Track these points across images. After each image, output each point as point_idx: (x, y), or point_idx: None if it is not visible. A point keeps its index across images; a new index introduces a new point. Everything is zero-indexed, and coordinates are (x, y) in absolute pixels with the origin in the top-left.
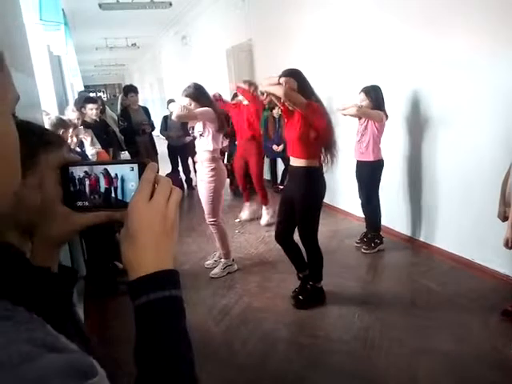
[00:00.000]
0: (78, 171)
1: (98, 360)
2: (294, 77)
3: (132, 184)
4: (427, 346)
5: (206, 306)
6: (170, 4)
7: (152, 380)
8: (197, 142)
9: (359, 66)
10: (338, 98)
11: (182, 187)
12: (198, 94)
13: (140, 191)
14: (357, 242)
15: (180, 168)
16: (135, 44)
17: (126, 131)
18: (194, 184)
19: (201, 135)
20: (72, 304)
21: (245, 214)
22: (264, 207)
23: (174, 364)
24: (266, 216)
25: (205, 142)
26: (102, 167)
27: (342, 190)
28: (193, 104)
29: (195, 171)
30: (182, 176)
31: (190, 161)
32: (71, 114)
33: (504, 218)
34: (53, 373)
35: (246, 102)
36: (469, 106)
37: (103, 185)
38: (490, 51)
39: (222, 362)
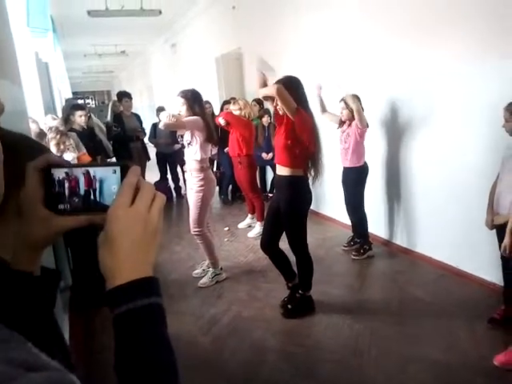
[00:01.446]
0: (61, 174)
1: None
2: (287, 83)
3: (114, 187)
4: (416, 355)
5: (194, 316)
6: (160, 12)
7: None
8: (185, 151)
9: (347, 74)
10: (328, 105)
11: (170, 195)
12: (193, 99)
13: (121, 196)
14: (344, 246)
15: (169, 176)
16: (124, 51)
17: (118, 137)
18: (183, 192)
19: (189, 144)
20: (54, 312)
21: (243, 223)
22: (258, 223)
23: (157, 373)
24: (257, 228)
25: (193, 152)
26: (83, 170)
27: (328, 197)
28: (185, 107)
29: (184, 179)
30: (171, 184)
31: (178, 168)
32: (52, 122)
33: (492, 227)
34: None
35: (237, 112)
36: (456, 114)
37: (84, 187)
38: (477, 59)
39: (211, 372)
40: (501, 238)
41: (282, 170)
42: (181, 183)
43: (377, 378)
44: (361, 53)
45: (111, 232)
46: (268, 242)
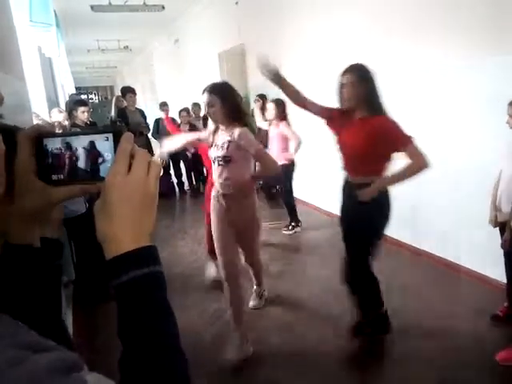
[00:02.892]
0: (53, 143)
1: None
2: (362, 80)
3: (107, 154)
4: (416, 352)
5: (197, 310)
6: (163, 7)
7: (139, 355)
8: (218, 169)
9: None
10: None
11: (173, 190)
12: (228, 93)
13: (117, 163)
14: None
15: (172, 171)
16: (127, 46)
17: None
18: (185, 188)
19: (228, 161)
20: (62, 278)
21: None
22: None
23: (159, 338)
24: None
25: (238, 170)
26: (76, 138)
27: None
28: (215, 108)
29: (187, 174)
30: (174, 179)
31: (181, 164)
32: (58, 116)
33: (495, 224)
34: (42, 371)
35: None
36: (458, 110)
37: (78, 156)
38: (473, 57)
39: (212, 367)
40: (504, 235)
41: (364, 179)
42: (184, 178)
43: (378, 375)
44: (363, 50)
45: (110, 200)
46: (354, 267)
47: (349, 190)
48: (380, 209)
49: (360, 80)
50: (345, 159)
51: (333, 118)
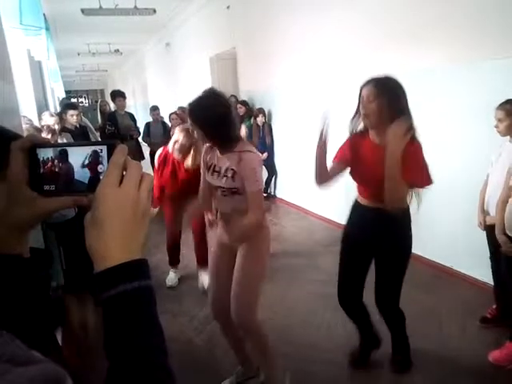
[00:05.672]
0: (46, 153)
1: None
2: (385, 93)
3: (100, 167)
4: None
5: (187, 316)
6: (154, 11)
7: (125, 372)
8: (223, 199)
9: (342, 74)
10: (323, 107)
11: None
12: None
13: (108, 175)
14: None
15: None
16: (118, 50)
17: (113, 136)
18: None
19: (235, 192)
20: (49, 291)
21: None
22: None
23: (146, 354)
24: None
25: (241, 200)
26: (70, 149)
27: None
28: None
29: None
30: None
31: None
32: (49, 119)
33: (485, 227)
34: None
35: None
36: (455, 113)
37: (70, 167)
38: (464, 62)
39: (204, 373)
40: (491, 238)
41: (380, 203)
42: None
43: (369, 377)
44: (356, 53)
45: (100, 212)
46: (351, 295)
47: (366, 212)
48: (408, 222)
49: (382, 93)
50: (362, 186)
51: (347, 158)
